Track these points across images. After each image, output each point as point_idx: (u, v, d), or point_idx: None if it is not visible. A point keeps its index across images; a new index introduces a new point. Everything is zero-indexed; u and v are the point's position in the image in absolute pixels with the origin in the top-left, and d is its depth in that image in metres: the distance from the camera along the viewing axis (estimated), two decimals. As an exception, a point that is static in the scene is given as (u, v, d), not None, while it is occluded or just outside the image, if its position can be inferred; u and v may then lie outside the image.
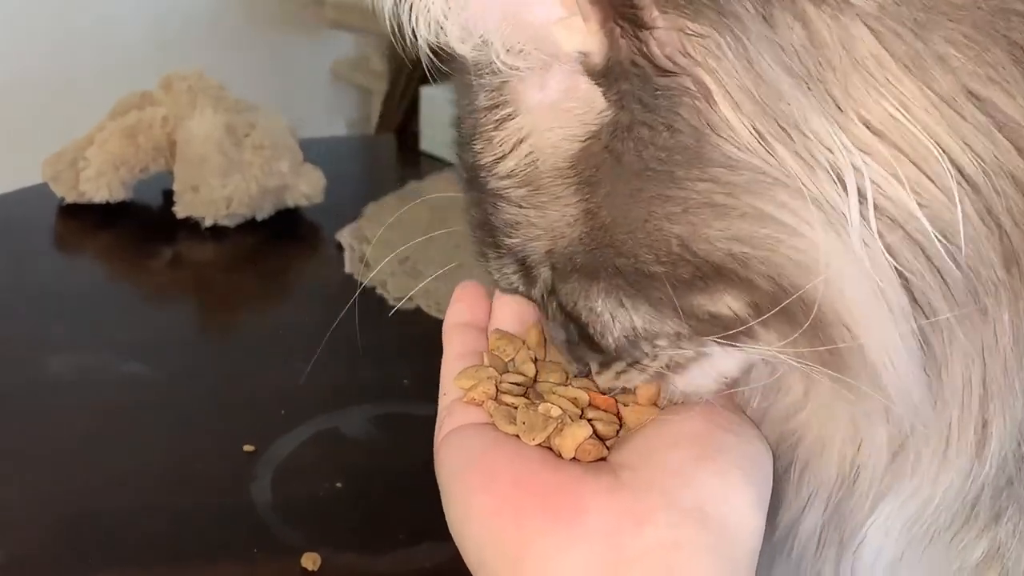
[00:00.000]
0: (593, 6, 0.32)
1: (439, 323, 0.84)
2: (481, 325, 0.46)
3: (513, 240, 0.37)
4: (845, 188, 0.31)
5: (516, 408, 0.40)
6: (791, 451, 0.39)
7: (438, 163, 1.17)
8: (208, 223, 0.98)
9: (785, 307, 0.33)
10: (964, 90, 0.32)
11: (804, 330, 0.33)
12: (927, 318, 0.33)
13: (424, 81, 1.37)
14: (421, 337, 0.86)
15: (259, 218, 1.01)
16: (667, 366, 0.38)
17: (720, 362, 0.38)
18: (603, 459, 0.39)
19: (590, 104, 0.34)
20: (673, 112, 0.32)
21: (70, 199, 1.01)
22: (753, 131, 0.31)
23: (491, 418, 0.40)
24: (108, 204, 1.01)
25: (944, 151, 0.31)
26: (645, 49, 0.32)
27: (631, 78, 0.32)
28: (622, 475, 0.36)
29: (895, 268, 0.32)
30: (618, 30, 0.32)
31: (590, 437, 0.39)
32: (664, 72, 0.32)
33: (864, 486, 0.38)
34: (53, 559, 0.59)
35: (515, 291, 0.40)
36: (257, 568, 0.59)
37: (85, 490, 0.65)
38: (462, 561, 0.60)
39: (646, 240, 0.33)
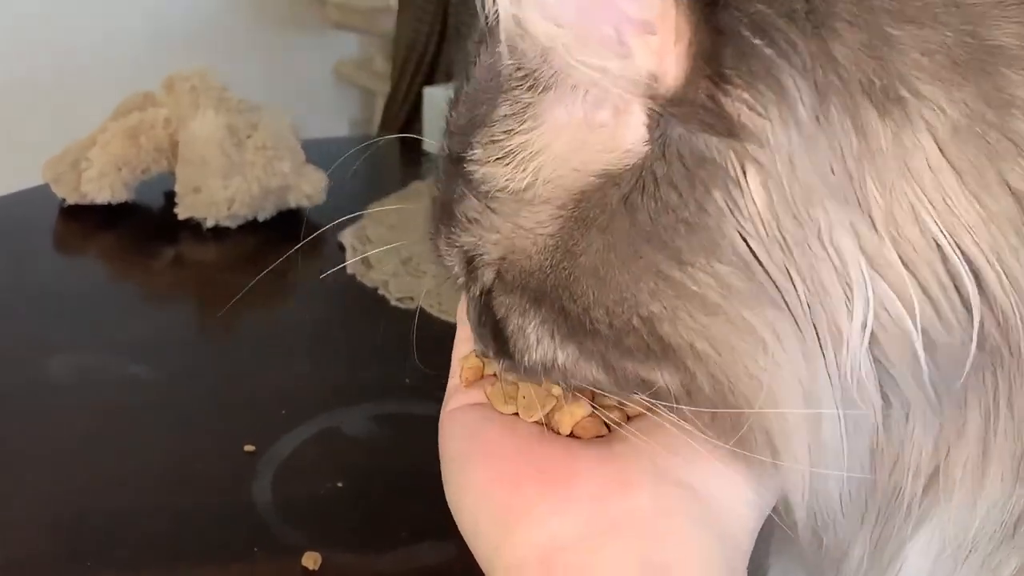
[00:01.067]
0: (686, 27, 0.30)
1: (441, 323, 0.84)
2: None
3: (467, 237, 0.36)
4: (851, 310, 0.31)
5: (518, 387, 0.40)
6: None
7: (440, 163, 1.17)
8: (210, 224, 0.98)
9: (714, 411, 0.33)
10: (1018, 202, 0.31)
11: (723, 428, 0.33)
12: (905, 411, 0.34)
13: (427, 82, 1.37)
14: (423, 337, 0.86)
15: (261, 219, 1.01)
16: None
17: None
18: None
19: (619, 140, 0.32)
20: (708, 187, 0.30)
21: (71, 200, 1.01)
22: (776, 232, 0.31)
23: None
24: (110, 205, 1.01)
25: (975, 273, 0.31)
26: (720, 98, 0.30)
27: (691, 122, 0.30)
28: (616, 446, 0.37)
29: (875, 373, 0.32)
30: (703, 65, 0.30)
31: (589, 416, 0.39)
32: (726, 132, 0.30)
33: (905, 508, 0.38)
34: (52, 559, 0.59)
35: (454, 277, 0.40)
36: (257, 568, 0.59)
37: (85, 490, 0.65)
38: (464, 560, 0.59)
39: (611, 302, 0.33)
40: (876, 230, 0.31)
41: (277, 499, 0.64)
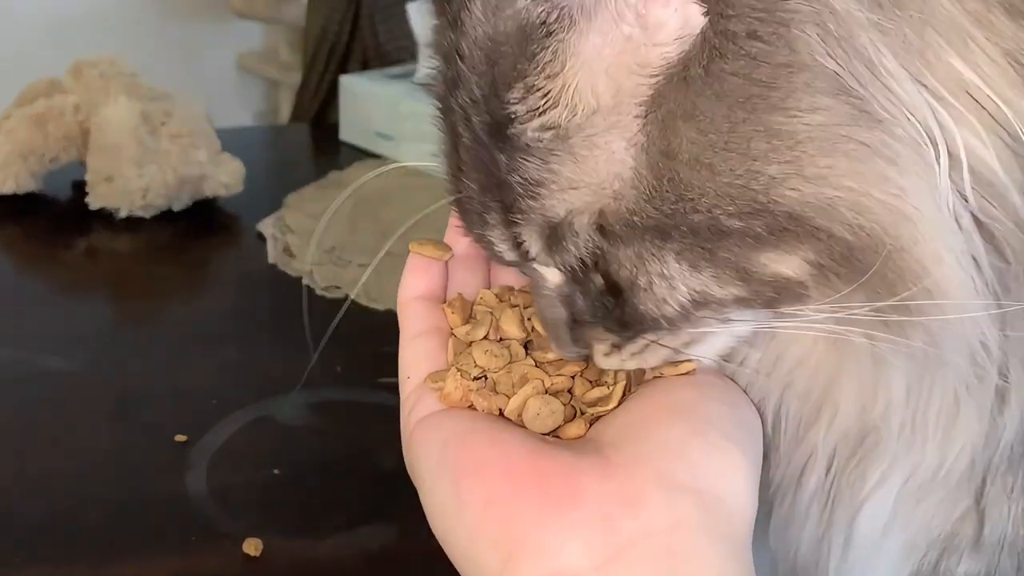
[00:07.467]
0: None
1: (369, 312, 0.84)
2: (438, 297, 0.44)
3: (541, 202, 0.34)
4: (929, 137, 0.30)
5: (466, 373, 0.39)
6: (792, 406, 0.39)
7: (358, 152, 1.16)
8: (123, 214, 0.96)
9: (853, 258, 0.31)
10: None
11: (864, 282, 0.32)
12: (1007, 263, 0.33)
13: (340, 71, 1.36)
14: (351, 325, 0.86)
15: (175, 209, 0.99)
16: (686, 343, 0.37)
17: (738, 331, 0.37)
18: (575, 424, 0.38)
19: (668, 26, 0.31)
20: (792, 27, 0.29)
21: (-26, 191, 0.97)
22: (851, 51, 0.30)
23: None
24: (15, 196, 0.97)
25: (1009, 106, 0.31)
26: None
27: None
28: (611, 455, 0.35)
29: (972, 215, 0.32)
30: None
31: (539, 394, 0.38)
32: None
33: (873, 450, 0.38)
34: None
35: (521, 262, 0.37)
36: (196, 557, 0.58)
37: (10, 489, 0.63)
38: (406, 542, 0.60)
39: (731, 187, 0.31)
40: (921, 66, 0.30)
41: (212, 488, 0.63)
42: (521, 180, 0.34)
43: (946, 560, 0.40)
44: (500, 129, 0.34)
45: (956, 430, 0.37)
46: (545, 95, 0.32)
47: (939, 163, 0.31)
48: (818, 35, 0.30)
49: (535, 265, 0.37)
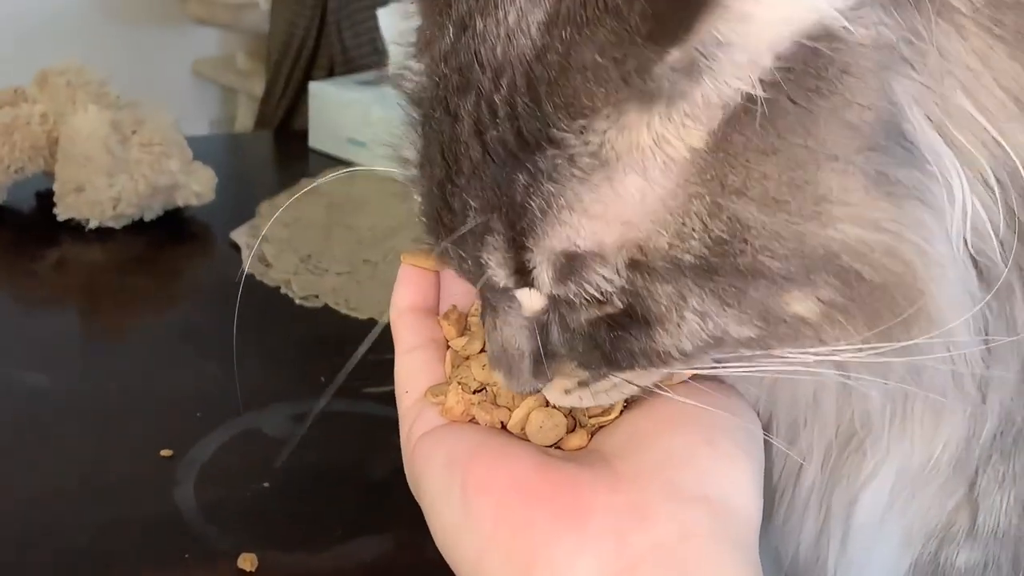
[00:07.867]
0: None
1: (349, 320, 0.84)
2: (431, 308, 0.43)
3: (566, 231, 0.31)
4: (944, 180, 0.31)
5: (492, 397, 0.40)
6: (781, 411, 0.40)
7: (329, 160, 1.15)
8: (93, 225, 0.94)
9: (872, 300, 0.31)
10: None
11: (864, 323, 0.32)
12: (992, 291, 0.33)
13: (305, 78, 1.35)
14: (332, 335, 0.85)
15: (146, 219, 0.97)
16: (656, 382, 0.37)
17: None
18: (575, 437, 0.39)
19: (755, 56, 0.28)
20: (889, 68, 0.29)
21: (-64, 203, 0.95)
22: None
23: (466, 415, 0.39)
24: (-22, 208, 0.95)
25: (1005, 138, 0.31)
26: None
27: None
28: (617, 466, 0.35)
29: (969, 254, 0.32)
30: None
31: (542, 406, 0.39)
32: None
33: (866, 442, 0.39)
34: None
35: (514, 288, 0.34)
36: (190, 575, 0.57)
37: (-8, 507, 0.61)
38: (402, 553, 0.60)
39: (788, 227, 0.30)
40: (935, 108, 0.30)
41: (202, 504, 0.62)
42: (544, 206, 0.31)
43: (945, 550, 0.41)
44: (530, 150, 0.30)
45: (941, 424, 0.38)
46: (611, 138, 0.30)
47: (952, 205, 0.31)
48: (905, 81, 0.30)
49: (517, 291, 0.34)
